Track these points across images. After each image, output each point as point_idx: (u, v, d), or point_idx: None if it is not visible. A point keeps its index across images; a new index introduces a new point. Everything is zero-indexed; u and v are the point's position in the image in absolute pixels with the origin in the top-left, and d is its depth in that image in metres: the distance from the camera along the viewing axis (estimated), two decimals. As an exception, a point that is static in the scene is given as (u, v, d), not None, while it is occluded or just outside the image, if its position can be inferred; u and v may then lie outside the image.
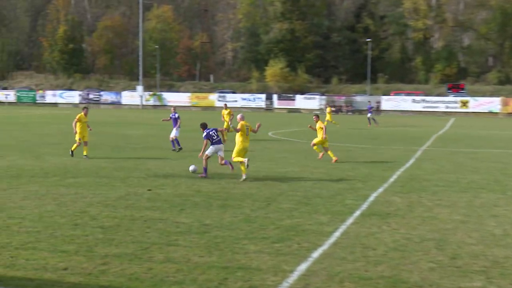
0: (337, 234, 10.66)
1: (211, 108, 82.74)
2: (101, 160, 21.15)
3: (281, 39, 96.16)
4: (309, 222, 11.58)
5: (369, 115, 48.68)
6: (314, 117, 22.63)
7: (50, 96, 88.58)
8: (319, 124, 22.12)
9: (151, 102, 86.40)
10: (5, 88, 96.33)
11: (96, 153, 23.25)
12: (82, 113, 22.15)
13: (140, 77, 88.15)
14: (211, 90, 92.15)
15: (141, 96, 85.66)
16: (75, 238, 10.10)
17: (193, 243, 9.89)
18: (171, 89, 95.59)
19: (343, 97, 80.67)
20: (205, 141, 17.62)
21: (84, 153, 21.68)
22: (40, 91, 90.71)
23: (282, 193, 14.74)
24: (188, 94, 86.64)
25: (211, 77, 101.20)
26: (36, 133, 33.31)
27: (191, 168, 17.79)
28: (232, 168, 17.51)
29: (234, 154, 17.34)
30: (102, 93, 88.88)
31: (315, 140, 22.36)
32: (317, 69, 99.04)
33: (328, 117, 44.00)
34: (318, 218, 11.91)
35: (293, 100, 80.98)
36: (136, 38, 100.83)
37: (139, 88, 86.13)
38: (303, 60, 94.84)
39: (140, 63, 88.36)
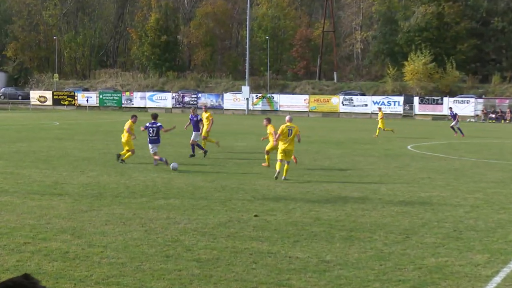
0: (497, 279, 10.31)
1: (333, 114, 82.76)
2: (198, 177, 21.68)
3: (425, 27, 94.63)
4: (460, 262, 11.27)
5: None
6: (264, 120, 24.78)
7: (138, 99, 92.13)
8: (269, 129, 23.97)
9: (259, 106, 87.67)
10: (86, 90, 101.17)
11: (192, 169, 23.88)
12: (131, 121, 25.91)
13: (247, 76, 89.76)
14: (334, 92, 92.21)
15: (247, 99, 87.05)
16: (166, 273, 10.40)
17: (310, 284, 9.89)
18: (284, 90, 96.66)
19: (507, 101, 77.87)
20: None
21: (124, 158, 25.54)
22: (127, 93, 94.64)
23: (425, 224, 14.45)
24: (305, 97, 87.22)
25: (335, 75, 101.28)
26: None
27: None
28: (157, 162, 24.55)
29: (267, 148, 23.72)
30: (200, 95, 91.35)
31: (267, 147, 24.44)
32: (472, 65, 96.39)
33: (380, 123, 43.86)
34: (472, 258, 11.56)
35: (440, 104, 79.24)
36: (242, 28, 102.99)
37: (245, 89, 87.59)
38: (453, 53, 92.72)
39: (247, 58, 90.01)
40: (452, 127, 48.36)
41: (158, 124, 25.14)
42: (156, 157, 24.70)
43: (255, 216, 15.01)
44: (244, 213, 15.42)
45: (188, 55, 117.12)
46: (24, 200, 16.66)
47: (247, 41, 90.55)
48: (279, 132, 21.93)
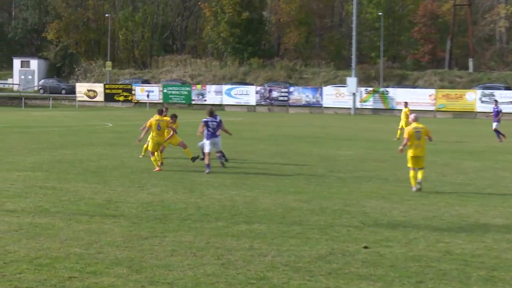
0: None
1: (469, 114, 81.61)
2: (290, 196, 21.70)
3: None
4: None
5: None
6: (170, 116, 29.23)
7: (213, 94, 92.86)
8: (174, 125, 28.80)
9: (370, 103, 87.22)
10: (146, 82, 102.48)
11: (283, 185, 23.92)
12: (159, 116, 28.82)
13: (353, 64, 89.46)
14: (469, 85, 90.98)
15: (354, 95, 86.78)
16: (249, 319, 10.44)
17: None
18: (402, 83, 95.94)
19: None
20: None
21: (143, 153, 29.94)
22: (198, 86, 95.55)
23: None
24: (431, 91, 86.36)
25: (470, 63, 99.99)
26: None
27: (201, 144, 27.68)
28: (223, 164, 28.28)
29: (150, 147, 27.83)
30: (292, 89, 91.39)
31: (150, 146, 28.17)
32: None
33: (403, 121, 44.04)
34: None
35: None
36: (348, 1, 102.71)
37: (351, 81, 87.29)
38: None
39: (354, 41, 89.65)
40: (495, 130, 46.53)
41: (219, 119, 28.02)
42: (217, 154, 28.40)
43: (365, 247, 14.92)
44: (350, 243, 15.35)
45: (277, 37, 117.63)
46: (69, 223, 17.02)
47: (353, 18, 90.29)
48: (406, 136, 23.31)
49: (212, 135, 27.70)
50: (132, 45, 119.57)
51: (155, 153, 27.70)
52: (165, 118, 28.99)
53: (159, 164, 27.57)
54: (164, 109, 29.97)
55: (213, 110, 29.30)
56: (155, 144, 27.74)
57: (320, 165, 30.38)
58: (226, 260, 13.81)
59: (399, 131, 43.60)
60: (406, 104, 47.07)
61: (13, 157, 31.49)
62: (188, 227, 16.83)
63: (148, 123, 28.46)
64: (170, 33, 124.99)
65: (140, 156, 31.29)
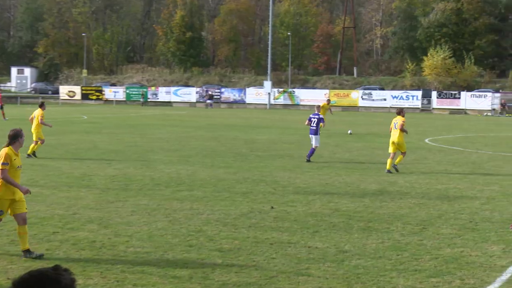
0: (512, 269, 10.26)
1: (353, 108, 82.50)
2: (220, 170, 21.75)
3: (444, 22, 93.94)
4: (475, 252, 11.24)
5: None
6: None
7: (164, 94, 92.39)
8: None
9: (281, 100, 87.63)
10: (113, 85, 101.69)
11: (215, 162, 23.96)
12: (41, 109, 25.47)
13: (269, 71, 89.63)
14: (354, 86, 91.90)
15: (269, 94, 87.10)
16: (189, 262, 10.47)
17: (328, 274, 9.92)
18: (305, 85, 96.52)
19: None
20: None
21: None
22: (152, 88, 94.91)
23: (441, 216, 14.41)
24: (326, 91, 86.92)
25: (355, 70, 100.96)
26: (146, 136, 34.87)
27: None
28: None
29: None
30: (223, 89, 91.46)
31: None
32: (489, 60, 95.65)
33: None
34: (488, 249, 11.52)
35: (457, 98, 78.77)
36: (265, 24, 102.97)
37: (267, 84, 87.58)
38: (472, 48, 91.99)
39: (269, 53, 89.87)
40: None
41: (320, 116, 25.35)
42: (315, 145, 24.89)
43: (272, 208, 15.02)
44: (265, 204, 15.46)
45: (212, 51, 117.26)
46: (53, 191, 16.83)
47: (269, 37, 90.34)
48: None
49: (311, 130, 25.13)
50: (102, 57, 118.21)
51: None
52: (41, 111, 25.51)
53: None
54: (42, 103, 26.65)
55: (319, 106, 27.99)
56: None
57: (244, 146, 30.44)
58: (173, 218, 13.81)
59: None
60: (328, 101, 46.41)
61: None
62: (144, 193, 16.76)
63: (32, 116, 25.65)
64: (132, 48, 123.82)
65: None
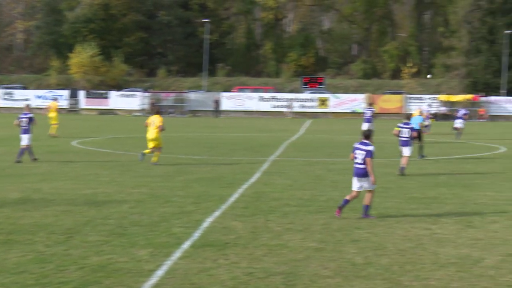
0: (160, 272, 10.69)
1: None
2: None
3: (91, 18, 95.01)
4: (123, 258, 11.51)
5: (458, 125, 44.05)
6: None
7: None
8: None
9: None
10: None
11: None
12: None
13: None
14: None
15: None
16: None
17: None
18: None
19: (172, 94, 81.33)
20: None
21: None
22: None
23: (88, 222, 14.52)
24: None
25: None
26: None
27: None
28: None
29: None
30: None
31: None
32: (139, 58, 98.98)
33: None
34: (136, 253, 11.87)
35: (106, 98, 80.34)
36: None
37: None
38: (120, 46, 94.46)
39: None
40: (455, 128, 44.23)
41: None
42: None
43: None
44: None
45: None
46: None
47: None
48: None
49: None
50: None
51: None
52: None
53: None
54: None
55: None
56: None
57: None
58: None
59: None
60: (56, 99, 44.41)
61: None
62: None
63: None
64: None
65: None
